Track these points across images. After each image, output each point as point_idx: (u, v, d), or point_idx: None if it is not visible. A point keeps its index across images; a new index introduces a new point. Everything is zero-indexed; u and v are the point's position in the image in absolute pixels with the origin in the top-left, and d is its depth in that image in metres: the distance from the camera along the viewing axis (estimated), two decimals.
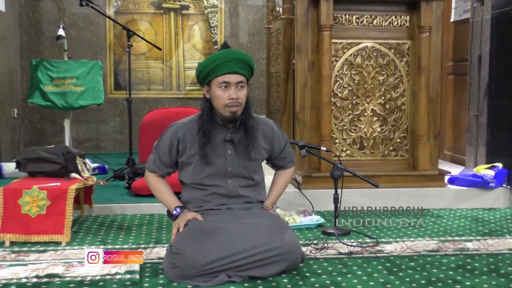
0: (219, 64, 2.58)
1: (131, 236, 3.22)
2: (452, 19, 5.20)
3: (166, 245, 2.83)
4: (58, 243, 3.05)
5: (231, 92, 2.59)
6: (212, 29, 6.53)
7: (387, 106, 4.12)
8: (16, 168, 3.41)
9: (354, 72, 4.07)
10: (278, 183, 2.94)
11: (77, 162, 3.39)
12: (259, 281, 2.47)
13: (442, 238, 3.23)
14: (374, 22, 4.08)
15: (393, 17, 4.10)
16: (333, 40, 3.99)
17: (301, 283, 2.48)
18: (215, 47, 6.27)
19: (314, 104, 4.01)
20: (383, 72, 4.10)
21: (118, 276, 2.51)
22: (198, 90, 6.11)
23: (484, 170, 4.10)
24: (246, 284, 2.45)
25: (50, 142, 6.24)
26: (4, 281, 2.44)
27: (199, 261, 2.41)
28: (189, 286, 2.42)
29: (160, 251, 2.91)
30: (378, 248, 3.02)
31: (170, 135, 2.71)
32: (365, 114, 4.10)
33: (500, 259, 2.85)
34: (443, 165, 4.62)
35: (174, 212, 2.70)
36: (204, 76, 2.63)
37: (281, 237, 2.51)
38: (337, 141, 4.08)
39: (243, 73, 2.61)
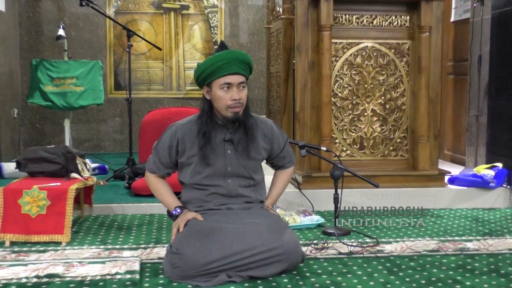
0: (221, 65, 2.57)
1: (131, 236, 3.22)
2: (452, 19, 5.20)
3: (166, 245, 2.83)
4: (58, 243, 3.05)
5: (233, 93, 2.59)
6: (212, 29, 6.54)
7: (387, 106, 4.12)
8: (16, 168, 3.41)
9: (354, 72, 4.07)
10: (278, 183, 2.94)
11: (77, 162, 3.39)
12: (259, 281, 2.47)
13: (442, 238, 3.23)
14: (374, 22, 4.08)
15: (393, 17, 4.10)
16: (333, 40, 3.99)
17: (301, 283, 2.48)
18: (215, 47, 6.28)
19: (314, 104, 4.01)
20: (383, 72, 4.10)
21: (118, 276, 2.51)
22: (198, 90, 6.10)
23: (484, 170, 4.10)
24: (246, 284, 2.45)
25: (50, 142, 6.24)
26: (4, 281, 2.44)
27: (199, 261, 2.42)
28: (189, 286, 2.42)
29: (160, 251, 2.91)
30: (378, 248, 3.02)
31: (170, 136, 2.71)
32: (365, 114, 4.10)
33: (500, 259, 2.85)
34: (443, 165, 4.62)
35: (174, 212, 2.70)
36: (205, 77, 2.63)
37: (281, 237, 2.51)
38: (337, 141, 4.08)
39: (244, 73, 2.62)
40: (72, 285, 2.42)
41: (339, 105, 4.06)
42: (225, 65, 2.57)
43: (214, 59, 2.60)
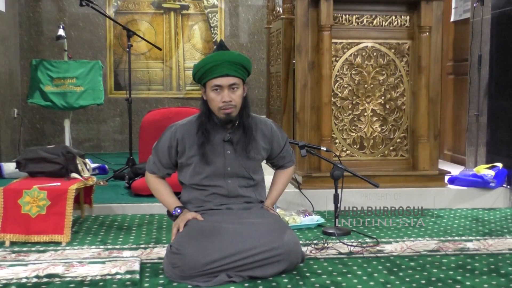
0: (210, 67, 2.57)
1: (131, 236, 3.22)
2: (452, 19, 5.20)
3: (166, 245, 2.83)
4: (58, 243, 3.05)
5: (224, 94, 2.58)
6: (212, 29, 6.54)
7: (387, 106, 4.12)
8: (16, 168, 3.41)
9: (354, 72, 4.07)
10: (278, 182, 2.94)
11: (77, 162, 3.39)
12: (259, 281, 2.47)
13: (442, 238, 3.23)
14: (374, 22, 4.08)
15: (393, 17, 4.10)
16: (333, 40, 3.99)
17: (301, 283, 2.48)
18: (215, 47, 6.28)
19: (314, 104, 4.01)
20: (383, 72, 4.10)
21: (118, 276, 2.51)
22: (198, 90, 6.11)
23: (484, 170, 4.10)
24: (246, 284, 2.45)
25: (50, 142, 6.24)
26: (4, 281, 2.44)
27: (199, 261, 2.41)
28: (189, 286, 2.42)
29: (160, 251, 2.91)
30: (378, 248, 3.02)
31: (169, 137, 2.71)
32: (365, 114, 4.10)
33: (500, 259, 2.85)
34: (443, 165, 4.62)
35: (174, 212, 2.70)
36: (199, 79, 2.64)
37: (281, 237, 2.51)
38: (337, 141, 4.08)
39: (236, 74, 2.60)
40: (72, 285, 2.42)
41: (339, 105, 4.06)
42: (215, 67, 2.57)
43: (205, 61, 2.61)
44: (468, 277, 2.57)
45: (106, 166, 5.04)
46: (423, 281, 2.51)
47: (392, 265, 2.73)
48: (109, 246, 3.02)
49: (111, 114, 6.53)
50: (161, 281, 2.49)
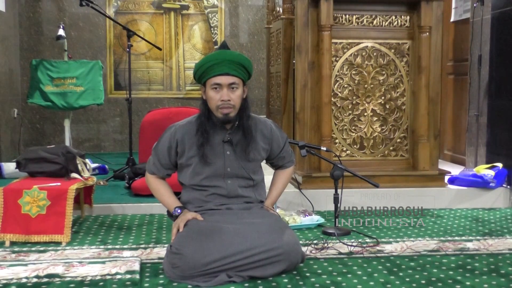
0: (211, 66, 2.58)
1: (131, 236, 3.22)
2: (452, 19, 5.20)
3: (166, 245, 2.83)
4: (58, 243, 3.05)
5: (223, 93, 2.59)
6: (212, 29, 6.54)
7: (387, 106, 4.12)
8: (16, 168, 3.41)
9: (354, 72, 4.07)
10: (278, 182, 2.94)
11: (77, 162, 3.39)
12: (259, 281, 2.47)
13: (442, 238, 3.23)
14: (374, 22, 4.08)
15: (393, 17, 4.10)
16: (333, 40, 3.99)
17: (301, 283, 2.48)
18: (215, 47, 6.28)
19: (314, 104, 4.01)
20: (383, 72, 4.10)
21: (118, 276, 2.51)
22: (198, 90, 6.11)
23: (484, 170, 4.10)
24: (246, 284, 2.45)
25: (50, 142, 6.24)
26: (4, 281, 2.44)
27: (199, 261, 2.42)
28: (189, 286, 2.42)
29: (160, 251, 2.91)
30: (378, 248, 3.02)
31: (169, 137, 2.71)
32: (365, 114, 4.10)
33: (500, 259, 2.85)
34: (443, 165, 4.62)
35: (174, 213, 2.70)
36: (199, 77, 2.65)
37: (281, 237, 2.51)
38: (337, 141, 4.08)
39: (236, 74, 2.60)
40: (72, 285, 2.43)
41: (339, 105, 4.06)
42: (215, 65, 2.57)
43: (206, 59, 2.61)
44: (468, 277, 2.57)
45: (106, 166, 5.04)
46: (423, 281, 2.51)
47: (392, 265, 2.73)
48: (109, 246, 3.02)
49: (111, 114, 6.53)
50: (161, 281, 2.49)
